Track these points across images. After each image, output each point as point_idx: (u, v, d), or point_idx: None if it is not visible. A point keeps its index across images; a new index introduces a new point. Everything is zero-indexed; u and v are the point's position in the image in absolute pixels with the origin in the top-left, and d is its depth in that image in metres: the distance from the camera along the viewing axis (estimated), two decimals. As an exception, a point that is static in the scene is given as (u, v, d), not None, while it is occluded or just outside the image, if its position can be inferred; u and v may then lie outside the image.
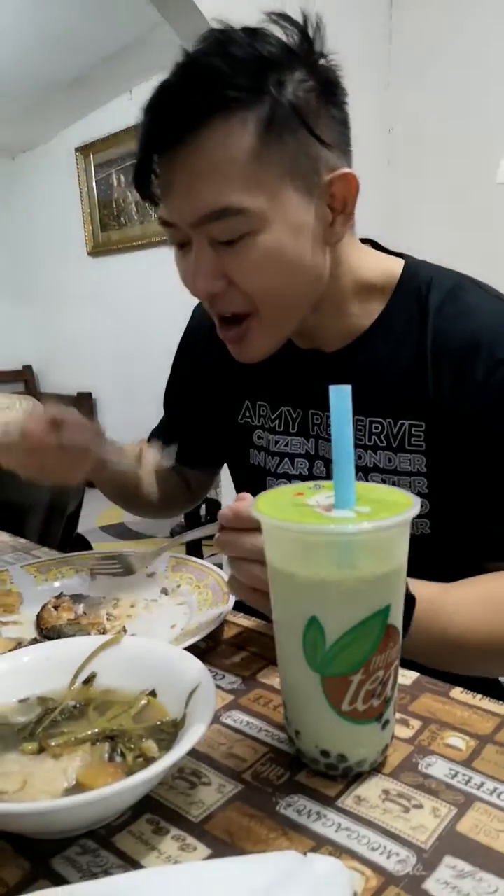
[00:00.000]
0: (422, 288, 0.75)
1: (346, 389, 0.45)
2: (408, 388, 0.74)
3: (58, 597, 0.72)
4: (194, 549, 2.84)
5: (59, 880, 0.38)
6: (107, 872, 0.39)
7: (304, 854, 0.36)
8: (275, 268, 0.66)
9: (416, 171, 2.53)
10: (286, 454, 0.84)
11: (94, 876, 0.38)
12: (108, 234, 4.24)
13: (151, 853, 0.40)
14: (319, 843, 0.40)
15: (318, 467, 0.82)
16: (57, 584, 0.78)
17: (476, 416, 0.71)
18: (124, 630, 0.65)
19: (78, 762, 0.43)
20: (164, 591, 0.75)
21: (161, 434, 1.04)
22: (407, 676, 0.57)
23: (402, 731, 0.50)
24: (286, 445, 0.84)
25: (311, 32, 0.65)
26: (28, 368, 5.04)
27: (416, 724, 0.51)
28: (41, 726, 0.46)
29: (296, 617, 0.44)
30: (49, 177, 4.61)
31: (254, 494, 0.54)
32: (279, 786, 0.45)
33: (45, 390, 4.97)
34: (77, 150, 4.25)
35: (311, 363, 0.81)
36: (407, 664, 0.56)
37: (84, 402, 4.56)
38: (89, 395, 4.58)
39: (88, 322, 4.51)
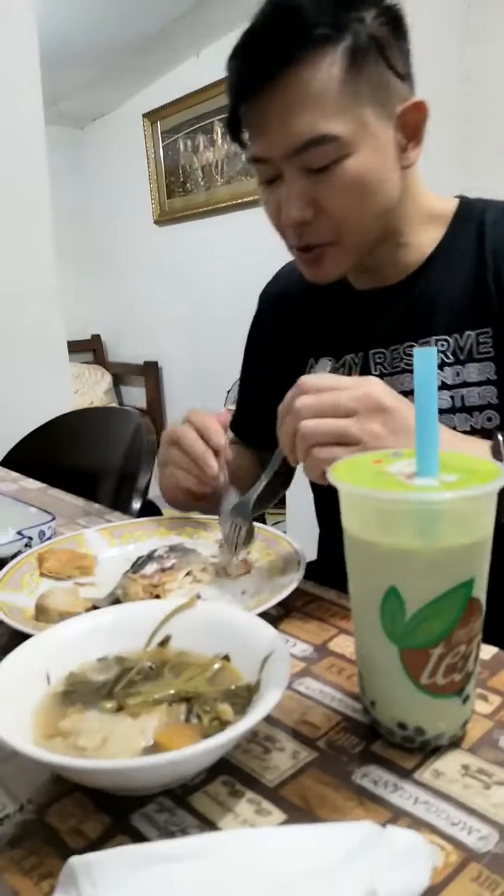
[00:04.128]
0: (478, 212, 0.81)
1: (431, 352, 0.43)
2: (471, 299, 0.78)
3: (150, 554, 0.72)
4: (259, 516, 2.85)
5: (139, 837, 0.39)
6: (184, 832, 0.39)
7: (383, 826, 0.36)
8: (362, 190, 0.72)
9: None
10: None
11: (171, 834, 0.39)
12: (173, 201, 4.23)
13: (228, 815, 0.40)
14: (396, 815, 0.39)
15: None
16: (130, 547, 0.79)
17: None
18: (198, 595, 0.65)
19: (155, 722, 0.43)
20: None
21: (239, 422, 1.06)
22: (486, 651, 0.55)
23: (482, 707, 0.48)
24: None
25: None
26: (97, 338, 5.11)
27: (496, 699, 0.49)
28: (119, 685, 0.47)
29: (374, 587, 0.43)
30: (117, 145, 4.61)
31: None
32: (354, 755, 0.45)
33: (113, 360, 5.05)
34: (144, 115, 4.24)
35: (372, 302, 0.85)
36: (486, 639, 0.54)
37: (150, 372, 4.61)
38: (155, 363, 4.63)
39: (154, 291, 4.53)
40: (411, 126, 0.73)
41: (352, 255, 0.77)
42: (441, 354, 0.79)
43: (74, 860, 0.33)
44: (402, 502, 0.41)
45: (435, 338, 0.80)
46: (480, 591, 0.43)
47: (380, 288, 0.84)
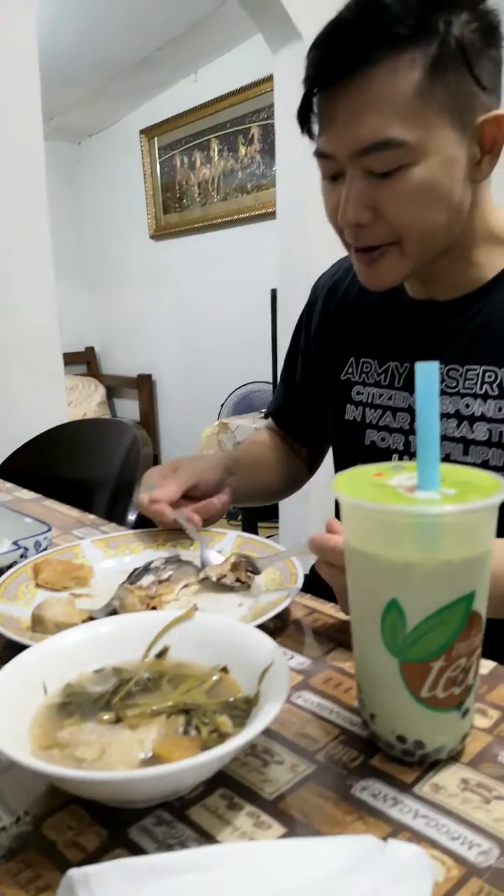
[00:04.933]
0: None
1: (434, 366, 0.43)
2: None
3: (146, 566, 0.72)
4: (251, 529, 2.84)
5: (136, 850, 0.39)
6: (182, 845, 0.39)
7: (384, 840, 0.36)
8: (425, 200, 0.69)
9: None
10: (389, 407, 0.85)
11: (170, 847, 0.39)
12: (169, 216, 4.26)
13: (226, 828, 0.40)
14: (397, 829, 0.39)
15: None
16: (126, 558, 0.79)
17: None
18: (195, 607, 0.65)
19: (154, 734, 0.43)
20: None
21: (277, 409, 1.08)
22: (485, 665, 0.55)
23: (481, 721, 0.48)
24: (389, 399, 0.85)
25: None
26: (90, 350, 5.12)
27: (494, 714, 0.49)
28: (117, 696, 0.47)
29: (375, 599, 0.43)
30: (114, 160, 4.65)
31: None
32: (353, 768, 0.44)
33: (107, 372, 5.05)
34: (141, 132, 4.28)
35: (425, 313, 0.82)
36: (484, 653, 0.54)
37: (144, 384, 4.61)
38: (149, 376, 4.64)
39: (149, 305, 4.55)
40: (489, 139, 0.69)
41: (410, 264, 0.74)
42: (487, 385, 0.76)
43: (73, 873, 0.33)
44: (403, 515, 0.41)
45: (483, 367, 0.76)
46: (481, 605, 0.43)
47: (434, 301, 0.81)
